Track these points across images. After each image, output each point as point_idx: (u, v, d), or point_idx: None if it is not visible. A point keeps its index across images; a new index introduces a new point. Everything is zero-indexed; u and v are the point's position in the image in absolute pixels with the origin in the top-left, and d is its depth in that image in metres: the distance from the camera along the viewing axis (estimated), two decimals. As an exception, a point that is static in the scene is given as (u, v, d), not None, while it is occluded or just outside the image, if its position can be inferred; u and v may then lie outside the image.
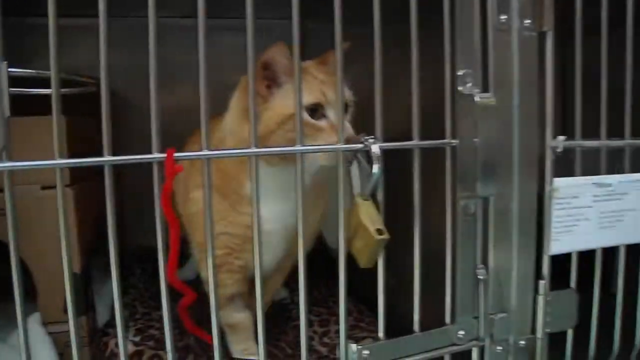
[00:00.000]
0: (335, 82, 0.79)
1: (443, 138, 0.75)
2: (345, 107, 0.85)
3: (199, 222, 0.90)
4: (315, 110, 0.83)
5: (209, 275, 0.67)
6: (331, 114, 0.83)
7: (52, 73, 0.56)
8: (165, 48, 1.33)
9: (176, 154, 0.60)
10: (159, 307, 1.21)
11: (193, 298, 0.70)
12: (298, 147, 0.66)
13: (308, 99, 0.81)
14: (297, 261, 1.02)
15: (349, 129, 0.79)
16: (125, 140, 1.36)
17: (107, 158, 0.60)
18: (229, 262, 0.94)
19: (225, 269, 0.95)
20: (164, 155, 0.60)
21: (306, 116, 0.81)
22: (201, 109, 0.62)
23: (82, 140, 1.07)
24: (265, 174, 0.84)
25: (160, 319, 1.15)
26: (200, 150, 0.63)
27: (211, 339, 0.67)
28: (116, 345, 0.97)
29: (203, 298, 0.74)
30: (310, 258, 1.06)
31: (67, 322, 0.95)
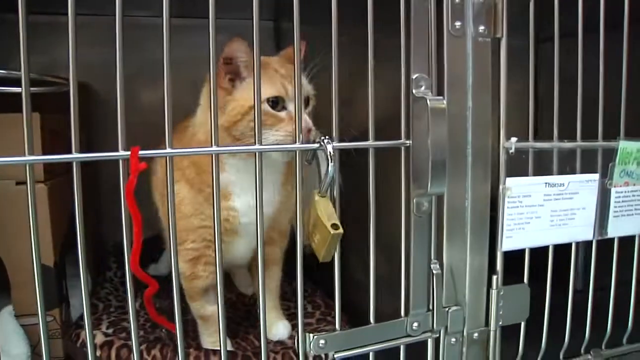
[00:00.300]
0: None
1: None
2: (307, 100, 0.90)
3: (176, 216, 0.93)
4: (277, 103, 0.87)
5: (172, 267, 0.70)
6: (291, 106, 0.87)
7: (23, 72, 0.59)
8: (149, 46, 1.37)
9: (140, 152, 0.63)
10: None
11: (156, 288, 0.73)
12: (256, 147, 0.69)
13: (269, 91, 0.86)
14: (278, 251, 1.08)
15: (307, 121, 0.83)
16: (102, 136, 1.39)
17: (75, 155, 0.63)
18: (207, 255, 0.97)
19: (203, 261, 0.97)
20: (129, 153, 0.63)
21: (267, 107, 0.86)
22: (165, 108, 0.65)
23: (57, 137, 1.09)
24: (237, 167, 0.89)
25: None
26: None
27: (173, 327, 0.70)
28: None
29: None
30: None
31: (40, 314, 0.99)
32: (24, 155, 0.64)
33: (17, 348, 0.93)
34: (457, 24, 0.80)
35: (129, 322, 1.11)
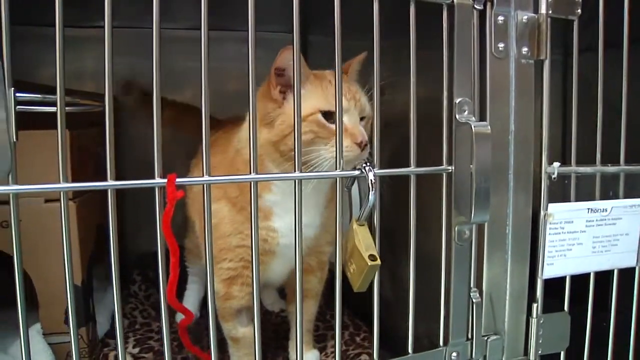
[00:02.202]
0: (353, 90, 0.82)
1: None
2: (362, 119, 0.85)
3: (215, 235, 0.91)
4: (330, 115, 0.81)
5: (208, 291, 0.68)
6: (345, 119, 0.81)
7: (59, 107, 0.58)
8: (173, 57, 1.37)
9: (177, 180, 0.62)
10: (158, 317, 1.23)
11: (192, 318, 0.72)
12: (296, 174, 0.67)
13: (323, 105, 0.81)
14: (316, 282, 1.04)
15: (362, 133, 0.79)
16: (128, 145, 1.39)
17: (110, 183, 0.61)
18: (243, 275, 0.94)
19: (239, 282, 0.95)
20: (165, 180, 0.61)
21: (321, 118, 0.81)
22: (203, 138, 0.63)
23: (86, 152, 1.08)
24: (283, 188, 0.86)
25: (159, 331, 1.17)
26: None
27: (208, 357, 0.68)
28: (115, 358, 0.99)
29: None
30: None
31: (67, 333, 0.98)
32: (56, 178, 0.62)
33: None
34: (501, 45, 0.77)
35: (155, 340, 1.12)
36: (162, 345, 1.07)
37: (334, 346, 0.86)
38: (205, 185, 0.64)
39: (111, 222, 0.63)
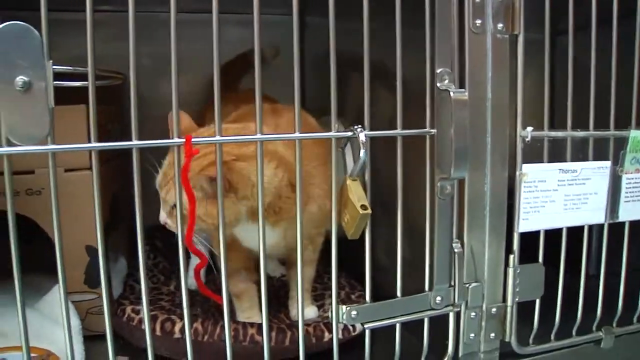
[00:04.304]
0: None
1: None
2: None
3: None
4: None
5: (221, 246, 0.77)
6: None
7: (89, 69, 0.67)
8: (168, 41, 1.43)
9: (193, 139, 0.71)
10: (166, 283, 1.32)
11: (206, 262, 0.81)
12: (297, 135, 0.76)
13: None
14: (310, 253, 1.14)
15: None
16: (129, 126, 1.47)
17: (135, 142, 0.70)
18: (237, 244, 1.05)
19: (234, 248, 1.05)
20: (183, 140, 0.70)
21: None
22: (215, 98, 0.72)
23: (98, 128, 1.16)
24: None
25: (169, 293, 1.26)
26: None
27: (219, 299, 0.77)
28: (132, 311, 1.07)
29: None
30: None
31: (87, 292, 1.07)
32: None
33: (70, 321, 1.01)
34: (478, 21, 0.86)
35: (166, 301, 1.21)
36: (172, 304, 1.18)
37: (331, 303, 0.97)
38: (217, 145, 0.73)
39: (136, 178, 0.72)
